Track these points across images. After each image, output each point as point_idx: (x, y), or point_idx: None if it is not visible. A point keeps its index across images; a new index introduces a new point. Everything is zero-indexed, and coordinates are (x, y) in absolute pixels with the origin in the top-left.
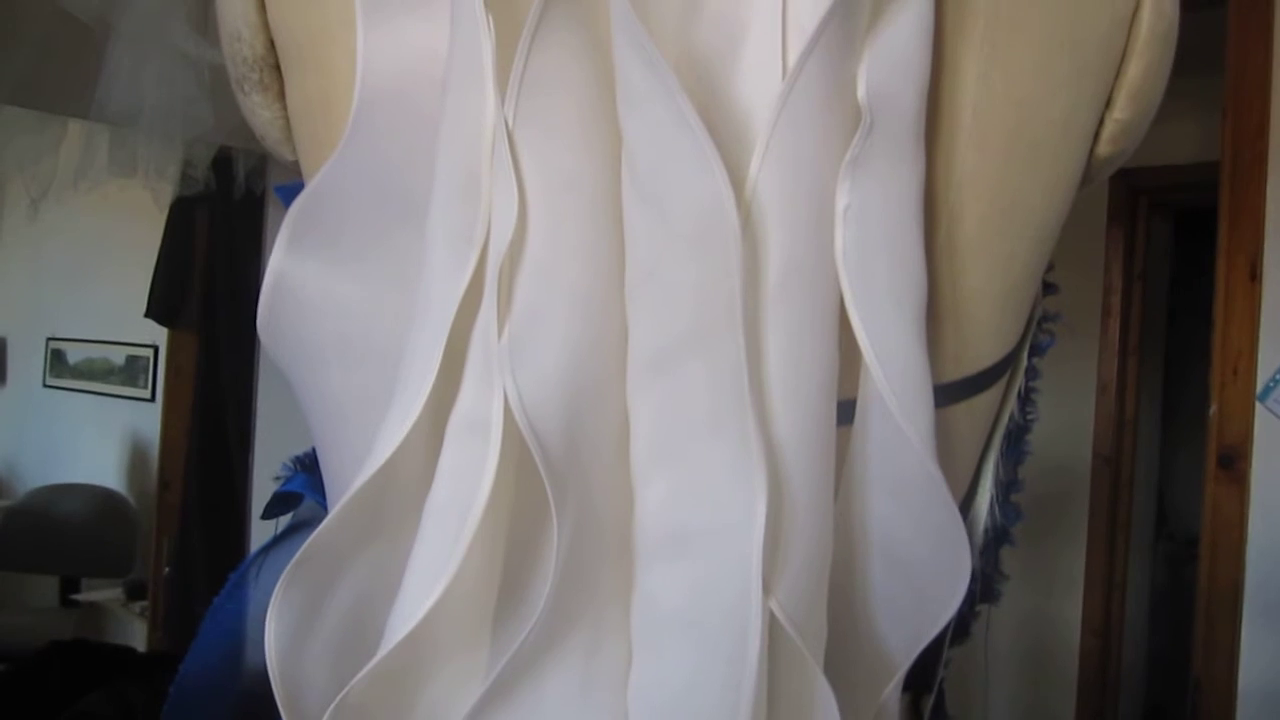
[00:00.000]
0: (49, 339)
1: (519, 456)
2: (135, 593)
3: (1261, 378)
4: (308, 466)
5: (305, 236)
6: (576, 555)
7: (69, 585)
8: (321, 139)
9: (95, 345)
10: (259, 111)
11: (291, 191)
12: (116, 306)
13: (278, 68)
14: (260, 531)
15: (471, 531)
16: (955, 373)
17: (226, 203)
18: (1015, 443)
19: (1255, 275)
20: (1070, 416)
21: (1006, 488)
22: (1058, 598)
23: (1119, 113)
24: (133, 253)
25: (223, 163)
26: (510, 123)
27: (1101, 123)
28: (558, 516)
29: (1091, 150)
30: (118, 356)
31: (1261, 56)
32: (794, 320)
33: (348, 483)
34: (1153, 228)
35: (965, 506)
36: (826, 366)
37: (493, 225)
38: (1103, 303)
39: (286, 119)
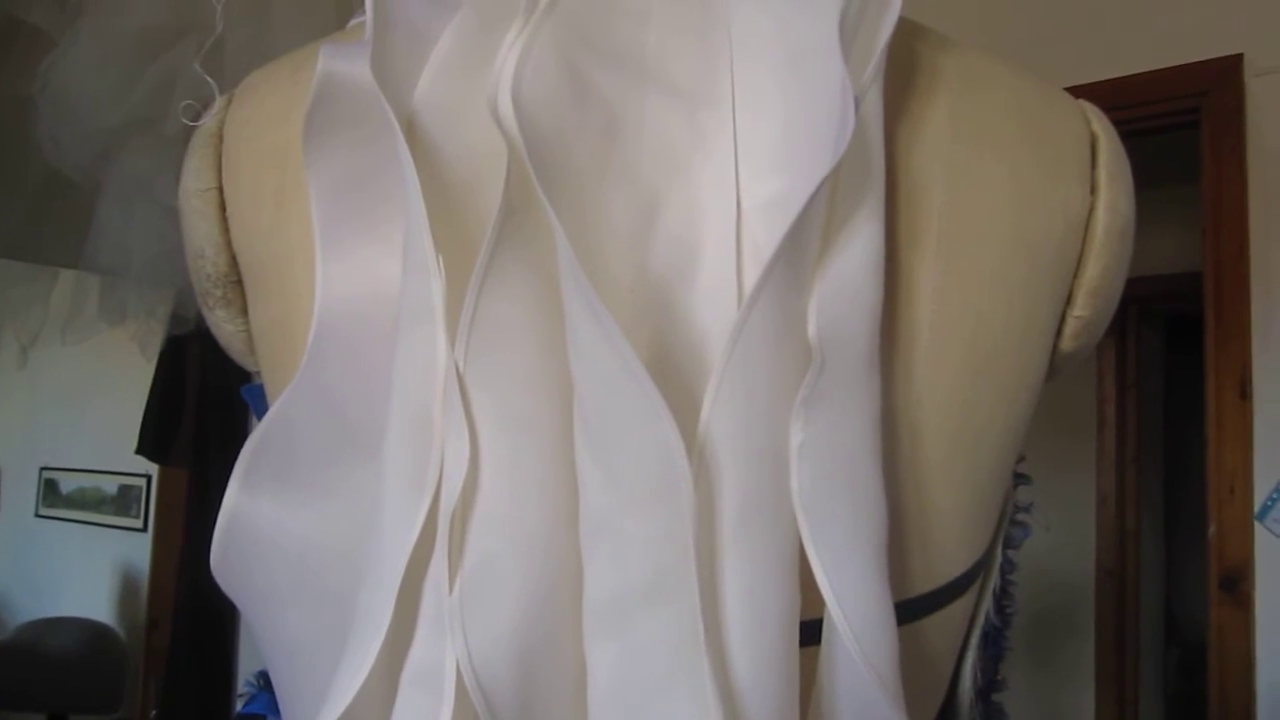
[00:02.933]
0: (42, 468)
1: (474, 710)
2: None
3: (1258, 497)
4: (271, 684)
5: (259, 473)
6: None
7: None
8: (280, 360)
9: (88, 474)
10: (223, 325)
11: (256, 392)
12: (109, 435)
13: (241, 283)
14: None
15: None
16: (924, 586)
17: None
18: (993, 642)
19: (1245, 394)
20: (1071, 530)
21: (987, 687)
22: (1069, 712)
23: (1080, 310)
24: (126, 382)
25: None
26: (461, 365)
27: (1063, 319)
28: None
29: (1055, 346)
30: (110, 486)
31: (1236, 177)
32: (752, 563)
33: None
34: (1143, 336)
35: (946, 710)
36: (787, 604)
37: (445, 470)
38: (1097, 413)
39: (250, 333)
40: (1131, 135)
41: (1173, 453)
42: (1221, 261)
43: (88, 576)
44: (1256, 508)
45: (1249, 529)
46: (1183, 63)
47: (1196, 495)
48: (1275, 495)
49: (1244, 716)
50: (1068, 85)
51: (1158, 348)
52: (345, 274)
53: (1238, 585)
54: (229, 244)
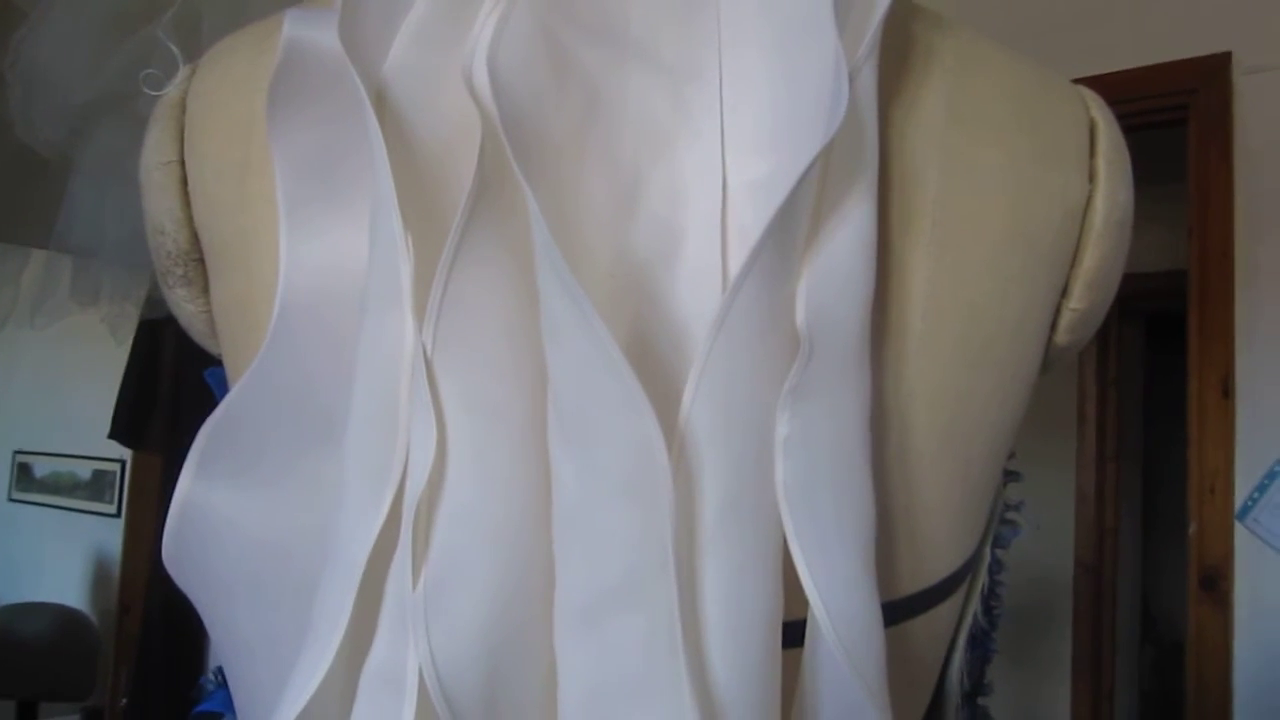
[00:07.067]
0: (15, 452)
1: (437, 712)
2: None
3: (1239, 496)
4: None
5: (215, 461)
6: None
7: (26, 710)
8: (242, 342)
9: (62, 459)
10: (183, 305)
11: (219, 376)
12: (83, 420)
13: (203, 261)
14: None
15: None
16: (912, 586)
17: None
18: (980, 644)
19: (1228, 392)
20: (1050, 525)
21: (973, 690)
22: (1045, 707)
23: (1076, 302)
24: (100, 365)
25: None
26: (429, 349)
27: (1058, 312)
28: None
29: (1049, 339)
30: (84, 471)
31: (1223, 176)
32: (733, 561)
33: None
34: (1124, 334)
35: (931, 715)
36: (769, 602)
37: (410, 459)
38: (1078, 410)
39: (211, 314)
40: None
41: (1151, 450)
42: (1206, 260)
43: (60, 562)
44: (1237, 507)
45: (1229, 528)
46: (1171, 60)
47: (1175, 493)
48: (1256, 494)
49: (1220, 714)
50: None
51: (1139, 345)
52: (311, 252)
53: (1217, 584)
54: (190, 220)
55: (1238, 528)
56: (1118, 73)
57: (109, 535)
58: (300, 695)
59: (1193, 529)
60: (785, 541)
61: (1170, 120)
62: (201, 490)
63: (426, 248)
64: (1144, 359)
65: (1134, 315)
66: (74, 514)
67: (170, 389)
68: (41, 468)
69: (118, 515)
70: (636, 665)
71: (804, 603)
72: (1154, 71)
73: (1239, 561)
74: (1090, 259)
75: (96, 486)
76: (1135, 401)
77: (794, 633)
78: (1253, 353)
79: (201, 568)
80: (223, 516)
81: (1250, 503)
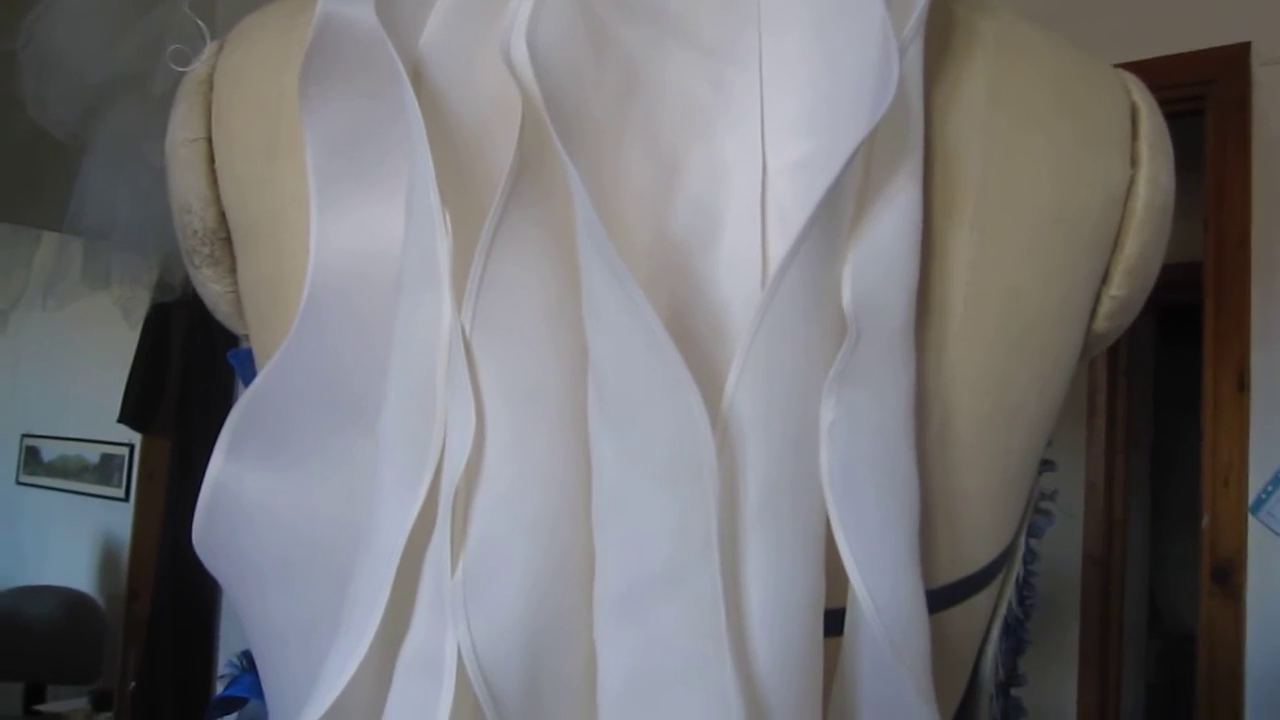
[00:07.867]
0: (23, 435)
1: (475, 697)
2: (101, 703)
3: (1253, 489)
4: (255, 665)
5: (246, 443)
6: None
7: (34, 693)
8: (271, 323)
9: (70, 443)
10: (209, 285)
11: (243, 357)
12: (92, 403)
13: (229, 240)
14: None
15: None
16: (951, 575)
17: (204, 308)
18: (1013, 633)
19: (1243, 386)
20: (1059, 515)
21: (1006, 681)
22: (1051, 700)
23: (1116, 289)
24: (109, 349)
25: None
26: (467, 330)
27: (1098, 299)
28: None
29: (1089, 326)
30: (92, 455)
31: (1241, 167)
32: (775, 547)
33: (289, 712)
34: (1136, 325)
35: (964, 704)
36: (811, 590)
37: (448, 443)
38: (1088, 401)
39: (238, 294)
40: None
41: (1160, 442)
42: (1222, 252)
43: (68, 545)
44: (1251, 500)
45: (1243, 522)
46: (1189, 50)
47: (1182, 485)
48: (1270, 488)
49: (1231, 707)
50: None
51: (1150, 337)
52: (343, 231)
53: (1230, 577)
54: (217, 198)
55: (1251, 521)
56: (1135, 62)
57: (117, 519)
58: (335, 684)
59: (1206, 522)
60: (826, 528)
61: (1188, 110)
62: (232, 473)
63: (463, 227)
64: (1155, 350)
65: (1146, 306)
66: (82, 498)
67: (180, 373)
68: (49, 451)
69: (126, 499)
70: (678, 651)
71: (843, 591)
72: (1172, 61)
73: (1251, 555)
74: (1131, 245)
75: (105, 470)
76: (1145, 392)
77: (832, 621)
78: (1268, 346)
79: (232, 552)
80: (253, 500)
81: (1264, 496)
